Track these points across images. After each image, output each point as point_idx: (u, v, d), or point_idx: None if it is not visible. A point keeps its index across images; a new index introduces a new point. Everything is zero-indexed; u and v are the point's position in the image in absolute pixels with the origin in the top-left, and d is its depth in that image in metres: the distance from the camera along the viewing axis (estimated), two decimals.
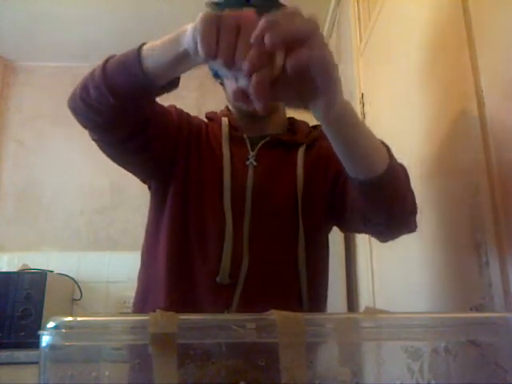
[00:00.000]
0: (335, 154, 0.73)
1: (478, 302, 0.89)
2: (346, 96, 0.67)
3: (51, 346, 0.46)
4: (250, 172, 0.99)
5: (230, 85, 0.97)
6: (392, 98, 1.52)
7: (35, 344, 0.47)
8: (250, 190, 0.97)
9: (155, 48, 0.70)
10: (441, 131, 1.11)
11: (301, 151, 1.03)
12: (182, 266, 0.92)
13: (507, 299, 0.81)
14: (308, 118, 1.02)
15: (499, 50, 0.87)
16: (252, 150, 1.01)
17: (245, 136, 1.03)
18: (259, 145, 1.02)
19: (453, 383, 0.51)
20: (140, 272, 1.01)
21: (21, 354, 1.91)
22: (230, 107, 1.11)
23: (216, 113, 1.11)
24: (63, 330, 0.46)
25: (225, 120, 1.05)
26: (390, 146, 0.78)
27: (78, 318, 0.48)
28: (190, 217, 0.95)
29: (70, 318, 0.47)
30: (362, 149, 0.69)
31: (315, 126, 1.08)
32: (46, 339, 0.46)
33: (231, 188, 0.96)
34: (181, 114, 1.04)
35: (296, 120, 1.12)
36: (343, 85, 0.64)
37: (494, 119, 0.88)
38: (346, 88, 0.65)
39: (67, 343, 0.46)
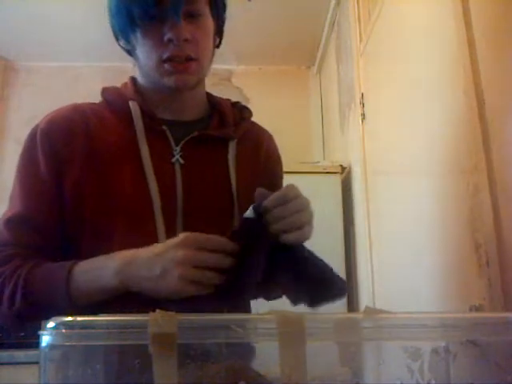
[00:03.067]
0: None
1: (478, 302, 0.89)
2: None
3: (51, 346, 0.46)
4: (178, 172, 0.82)
5: (154, 55, 0.80)
6: (392, 97, 1.52)
7: (35, 344, 0.47)
8: (180, 197, 0.81)
9: (83, 286, 0.70)
10: (441, 131, 1.11)
11: (232, 148, 0.87)
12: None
13: (507, 299, 0.81)
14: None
15: (499, 49, 0.87)
16: (176, 145, 0.84)
17: (165, 127, 0.84)
18: (184, 140, 0.84)
19: (453, 383, 0.51)
20: None
21: (21, 354, 1.91)
22: (140, 79, 0.88)
23: (118, 92, 0.88)
24: (63, 330, 0.46)
25: (135, 106, 0.84)
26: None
27: (78, 318, 0.47)
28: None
29: (69, 318, 0.47)
30: None
31: (238, 107, 0.94)
32: (45, 339, 0.46)
33: (160, 196, 0.79)
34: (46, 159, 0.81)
35: (215, 98, 0.94)
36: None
37: (494, 119, 0.88)
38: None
39: (67, 343, 0.46)
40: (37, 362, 0.46)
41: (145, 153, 0.81)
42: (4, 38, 2.85)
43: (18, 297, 0.71)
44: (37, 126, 0.84)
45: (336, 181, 2.24)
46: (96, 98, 0.89)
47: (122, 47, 0.88)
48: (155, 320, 0.45)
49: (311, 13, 2.48)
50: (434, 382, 0.50)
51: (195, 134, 0.84)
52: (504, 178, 0.84)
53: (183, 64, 0.80)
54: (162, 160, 0.82)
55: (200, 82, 0.86)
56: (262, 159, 0.93)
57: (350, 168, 2.17)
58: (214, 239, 0.66)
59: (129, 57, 0.88)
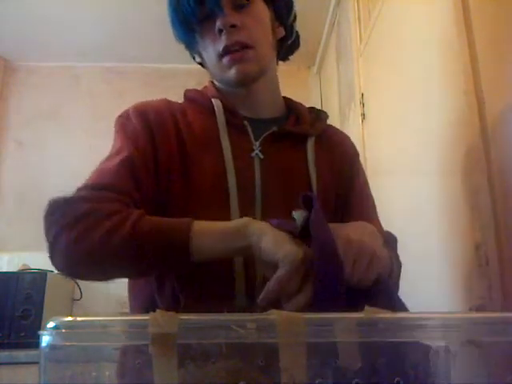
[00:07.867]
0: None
1: (478, 302, 0.89)
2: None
3: (51, 346, 0.46)
4: (257, 167, 0.84)
5: (212, 51, 0.84)
6: (392, 97, 1.52)
7: (35, 344, 0.47)
8: (259, 190, 0.82)
9: (207, 240, 0.67)
10: (441, 131, 1.11)
11: (310, 145, 0.90)
12: (191, 288, 0.76)
13: (507, 299, 0.81)
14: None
15: (499, 49, 0.87)
16: (256, 140, 0.86)
17: (246, 123, 0.87)
18: (264, 135, 0.86)
19: (453, 383, 0.51)
20: (136, 288, 0.84)
21: (21, 354, 1.91)
22: (216, 83, 0.93)
23: (200, 91, 0.92)
24: (63, 330, 0.46)
25: (217, 102, 0.87)
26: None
27: (78, 318, 0.47)
28: None
29: (69, 318, 0.47)
30: None
31: (315, 111, 0.97)
32: (45, 339, 0.46)
33: (237, 188, 0.81)
34: (143, 131, 0.83)
35: (292, 100, 0.98)
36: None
37: (494, 119, 0.88)
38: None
39: (67, 343, 0.46)
40: (37, 362, 0.46)
41: (226, 146, 0.83)
42: (4, 38, 2.85)
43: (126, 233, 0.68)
44: (127, 109, 0.86)
45: None
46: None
47: (198, 63, 0.93)
48: (155, 320, 0.45)
49: (311, 13, 2.48)
50: (434, 382, 0.50)
51: (275, 129, 0.87)
52: (504, 178, 0.84)
53: (239, 52, 0.82)
54: (242, 154, 0.84)
55: (262, 72, 0.86)
56: (337, 158, 0.93)
57: None
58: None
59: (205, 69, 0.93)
